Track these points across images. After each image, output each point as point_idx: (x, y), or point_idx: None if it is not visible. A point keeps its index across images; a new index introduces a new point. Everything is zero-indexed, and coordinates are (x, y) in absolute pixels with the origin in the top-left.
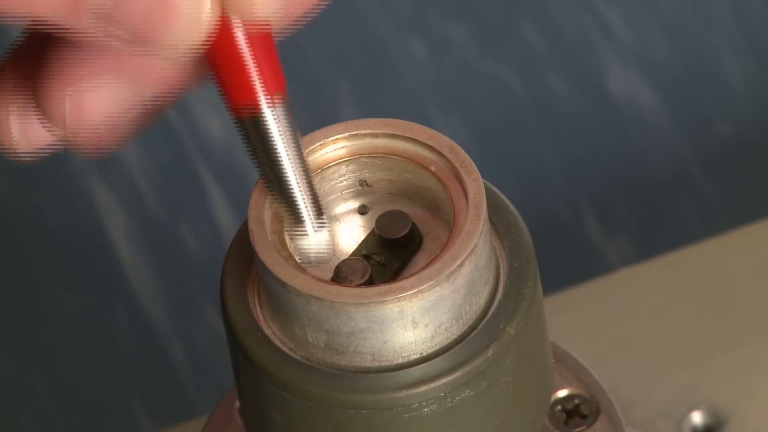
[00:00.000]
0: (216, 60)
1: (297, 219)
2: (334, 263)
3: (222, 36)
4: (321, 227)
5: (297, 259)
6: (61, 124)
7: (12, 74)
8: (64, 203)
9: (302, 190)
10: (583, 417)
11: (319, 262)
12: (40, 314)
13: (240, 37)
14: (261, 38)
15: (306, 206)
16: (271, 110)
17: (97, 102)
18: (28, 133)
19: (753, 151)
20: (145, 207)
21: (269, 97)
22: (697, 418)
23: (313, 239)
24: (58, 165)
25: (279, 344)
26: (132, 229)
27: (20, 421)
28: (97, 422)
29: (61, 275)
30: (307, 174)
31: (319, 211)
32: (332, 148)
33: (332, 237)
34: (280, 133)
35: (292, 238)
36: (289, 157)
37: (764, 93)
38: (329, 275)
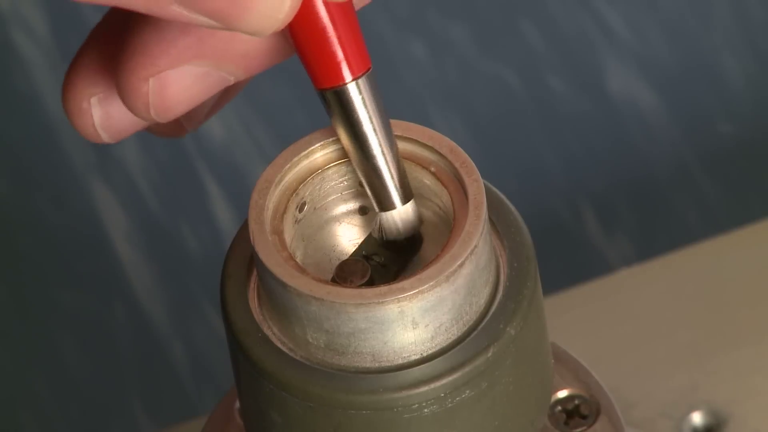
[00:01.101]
0: (300, 34)
1: (384, 193)
2: (336, 263)
3: (306, 9)
4: (408, 199)
5: (384, 233)
6: (144, 108)
7: (92, 59)
8: (64, 203)
9: (390, 164)
10: (584, 417)
11: (408, 233)
12: (40, 314)
13: (324, 10)
14: (345, 12)
15: (393, 179)
16: (357, 86)
17: (179, 83)
18: (109, 118)
19: (753, 151)
20: (145, 207)
21: (355, 75)
22: (697, 418)
23: (401, 211)
24: (58, 165)
25: (279, 344)
26: (132, 229)
27: (20, 421)
28: (97, 422)
29: (61, 275)
30: (394, 147)
31: (405, 182)
32: (333, 148)
33: (417, 208)
34: (365, 107)
35: (378, 213)
36: (375, 131)
37: (764, 93)
38: (329, 276)
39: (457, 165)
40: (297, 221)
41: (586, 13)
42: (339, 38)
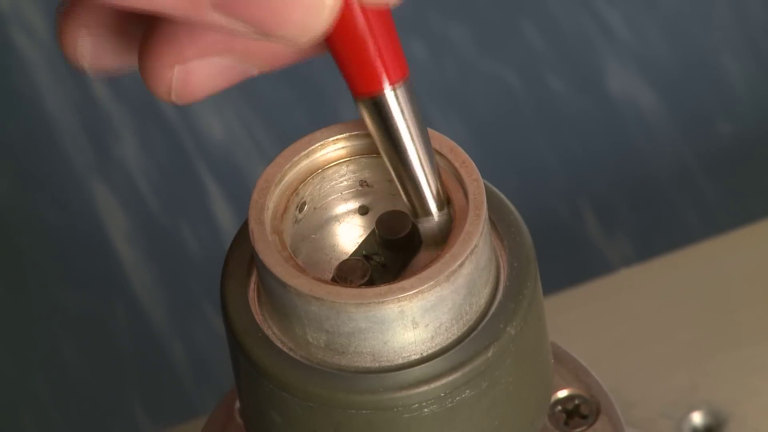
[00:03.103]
0: (337, 43)
1: (420, 201)
2: (336, 263)
3: (344, 18)
4: (443, 207)
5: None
6: (166, 92)
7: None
8: (64, 203)
9: (427, 172)
10: (584, 417)
11: (443, 242)
12: (40, 314)
13: (362, 19)
14: (383, 21)
15: (430, 188)
16: (394, 95)
17: (203, 73)
18: (98, 56)
19: (753, 151)
20: (145, 207)
21: (393, 83)
22: (697, 418)
23: (437, 220)
24: (58, 165)
25: (279, 344)
26: (132, 229)
27: (20, 421)
28: (97, 422)
29: (61, 275)
30: (431, 155)
31: (440, 191)
32: (332, 148)
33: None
34: (403, 116)
35: (416, 222)
36: (413, 139)
37: (764, 93)
38: (329, 276)
39: (457, 165)
40: (297, 221)
41: (586, 13)
42: (377, 46)
